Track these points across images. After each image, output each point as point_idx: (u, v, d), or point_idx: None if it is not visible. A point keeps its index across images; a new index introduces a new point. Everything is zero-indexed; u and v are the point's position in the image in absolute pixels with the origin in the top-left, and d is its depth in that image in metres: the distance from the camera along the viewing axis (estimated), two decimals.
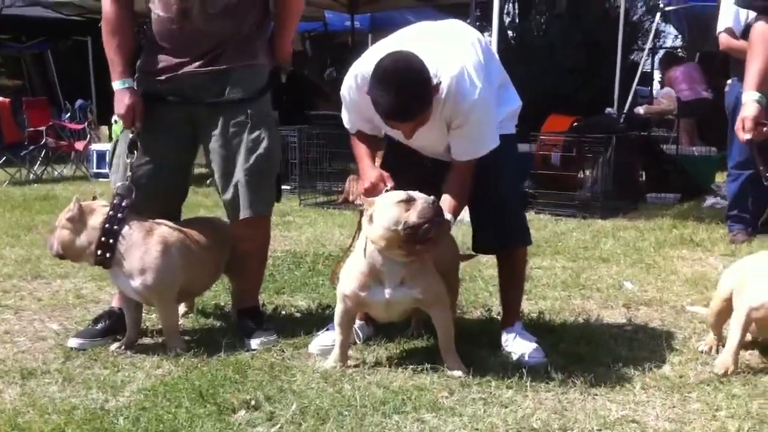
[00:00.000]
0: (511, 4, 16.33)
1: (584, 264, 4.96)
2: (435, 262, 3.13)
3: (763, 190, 5.88)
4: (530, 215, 6.80)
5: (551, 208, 6.98)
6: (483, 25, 13.55)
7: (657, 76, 16.56)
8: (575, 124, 7.87)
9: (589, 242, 5.67)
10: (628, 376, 2.94)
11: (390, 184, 2.98)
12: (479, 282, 4.34)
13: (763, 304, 2.90)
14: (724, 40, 5.78)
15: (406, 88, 2.77)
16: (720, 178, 9.00)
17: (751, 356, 3.20)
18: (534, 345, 3.16)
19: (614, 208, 7.10)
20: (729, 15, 5.75)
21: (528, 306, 3.93)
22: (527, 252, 3.46)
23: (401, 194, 2.82)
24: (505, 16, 15.85)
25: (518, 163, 3.26)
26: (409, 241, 2.78)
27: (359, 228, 3.01)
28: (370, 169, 3.07)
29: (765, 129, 3.01)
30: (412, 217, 2.75)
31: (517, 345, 3.17)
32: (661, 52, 13.61)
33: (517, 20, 17.00)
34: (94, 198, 3.26)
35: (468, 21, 10.60)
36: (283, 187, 3.70)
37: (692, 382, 2.90)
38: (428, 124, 2.92)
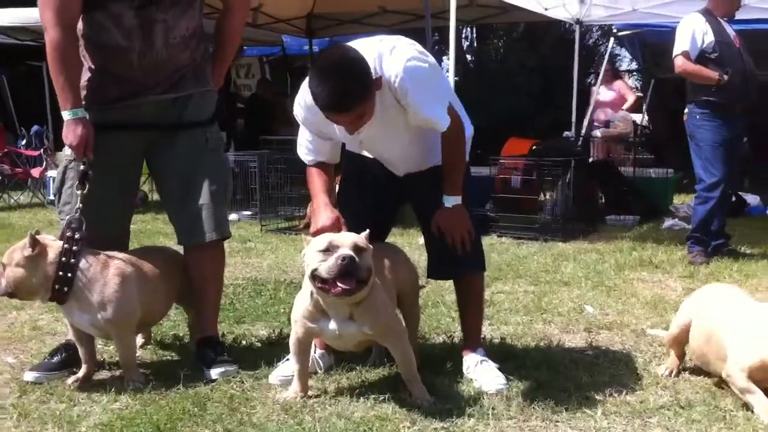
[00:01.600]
0: (469, 29, 16.49)
1: (546, 288, 4.98)
2: (396, 288, 3.13)
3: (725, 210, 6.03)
4: (492, 239, 6.88)
5: (513, 231, 7.03)
6: (441, 49, 13.67)
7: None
8: (534, 147, 7.94)
9: (550, 265, 5.71)
10: (590, 402, 2.94)
11: (344, 229, 2.99)
12: (442, 308, 4.34)
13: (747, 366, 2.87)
14: (680, 63, 5.89)
15: (342, 78, 2.78)
16: (677, 199, 9.17)
17: (712, 380, 3.22)
18: (496, 371, 3.16)
19: (575, 231, 7.17)
20: (686, 39, 5.86)
21: (490, 331, 3.93)
22: (484, 277, 3.45)
23: (323, 242, 2.81)
24: (463, 40, 16.07)
25: (472, 189, 3.28)
26: (322, 289, 2.78)
27: None
28: (324, 209, 3.07)
29: None
30: (322, 270, 2.76)
31: (479, 371, 3.16)
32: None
33: (475, 44, 17.17)
34: (37, 233, 3.16)
35: (425, 46, 10.72)
36: (243, 212, 3.72)
37: (652, 407, 2.91)
38: (378, 122, 2.95)
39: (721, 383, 3.05)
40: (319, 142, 3.18)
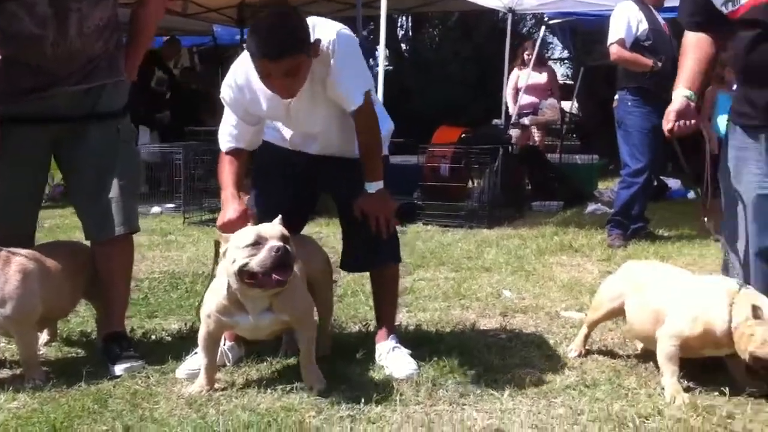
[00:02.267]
0: (404, 18, 16.51)
1: (467, 274, 5.01)
2: (308, 276, 3.12)
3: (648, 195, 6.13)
4: (418, 227, 6.90)
5: (439, 219, 7.05)
6: (376, 39, 13.66)
7: None
8: (463, 135, 7.98)
9: (473, 252, 5.74)
10: (498, 385, 2.96)
11: (251, 223, 2.96)
12: (361, 296, 4.32)
13: (682, 332, 2.89)
14: (615, 50, 5.97)
15: (283, 23, 2.86)
16: (602, 184, 9.31)
17: (617, 360, 3.28)
18: (407, 358, 3.16)
19: (501, 218, 7.22)
20: (621, 26, 5.94)
21: (407, 318, 3.94)
22: (399, 268, 3.46)
23: (250, 236, 2.78)
24: (398, 29, 16.09)
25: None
26: (253, 285, 2.77)
27: (217, 254, 2.97)
28: (232, 201, 3.03)
29: (688, 124, 3.08)
30: (254, 264, 2.73)
31: (391, 358, 3.16)
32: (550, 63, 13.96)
33: (410, 33, 17.20)
34: None
35: (357, 35, 10.68)
36: (167, 205, 3.69)
37: (558, 387, 2.95)
38: (307, 94, 2.98)
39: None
40: (242, 128, 3.17)
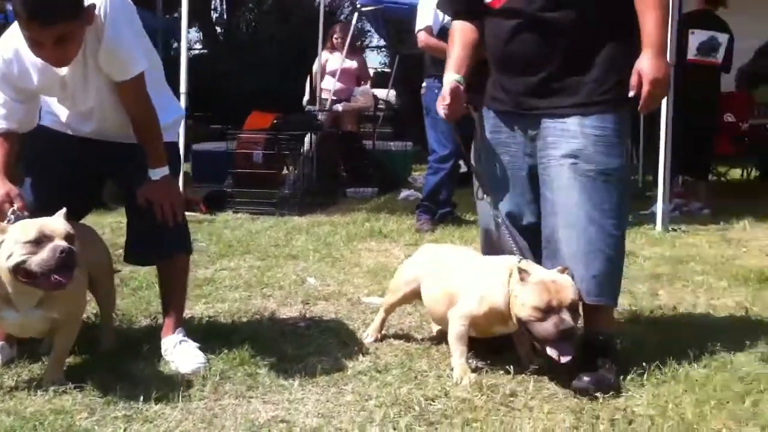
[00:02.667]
0: (218, 0, 16.13)
1: (272, 262, 4.91)
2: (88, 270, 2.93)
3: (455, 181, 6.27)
4: (227, 215, 6.74)
5: (250, 206, 6.91)
6: (191, 21, 13.22)
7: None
8: (276, 121, 7.85)
9: (282, 240, 5.65)
10: (288, 375, 2.89)
11: (18, 204, 2.76)
12: (155, 289, 4.10)
13: (470, 312, 2.92)
14: (423, 38, 6.03)
15: None
16: (417, 171, 9.49)
17: (412, 344, 3.29)
18: (194, 351, 3.03)
19: (313, 205, 7.18)
20: (428, 14, 6.00)
21: (204, 310, 3.80)
22: (189, 260, 3.31)
23: (32, 232, 2.57)
24: (212, 12, 15.67)
25: (177, 172, 3.17)
26: (28, 283, 2.58)
27: None
28: None
29: (462, 106, 3.13)
30: (34, 264, 2.54)
31: (177, 353, 3.01)
32: (367, 51, 14.07)
33: (225, 16, 16.81)
34: None
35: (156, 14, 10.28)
36: None
37: (350, 374, 2.92)
38: (81, 65, 2.82)
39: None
40: (12, 106, 2.92)
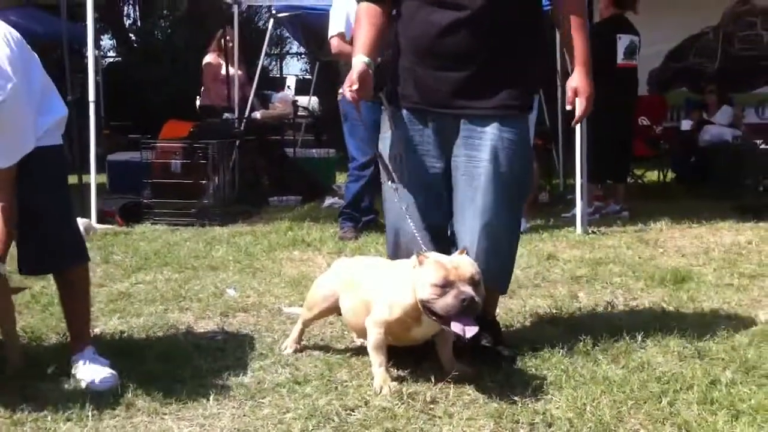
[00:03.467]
0: (131, 7, 15.76)
1: (191, 274, 4.79)
2: None
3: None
4: (145, 227, 6.58)
5: (169, 218, 6.75)
6: (104, 27, 12.92)
7: (290, 81, 17.13)
8: (193, 129, 7.71)
9: (201, 251, 5.53)
10: (204, 390, 2.80)
11: None
12: None
13: (383, 318, 2.88)
14: (336, 44, 5.97)
15: None
16: (341, 178, 9.43)
17: (332, 354, 3.23)
18: (106, 369, 2.90)
19: (235, 214, 7.07)
20: (340, 20, 5.94)
21: (118, 325, 3.67)
22: (88, 269, 3.18)
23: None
24: (125, 18, 15.30)
25: (64, 177, 3.02)
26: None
27: None
28: None
29: (371, 90, 3.10)
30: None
31: (87, 371, 2.89)
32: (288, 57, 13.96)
33: (139, 23, 16.47)
34: None
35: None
36: None
37: (268, 387, 2.85)
38: None
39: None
40: None
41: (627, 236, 5.81)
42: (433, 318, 2.74)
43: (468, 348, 3.04)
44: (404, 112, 3.20)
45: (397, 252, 3.25)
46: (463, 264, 2.76)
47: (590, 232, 5.99)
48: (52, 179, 2.92)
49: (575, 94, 3.19)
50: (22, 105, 2.67)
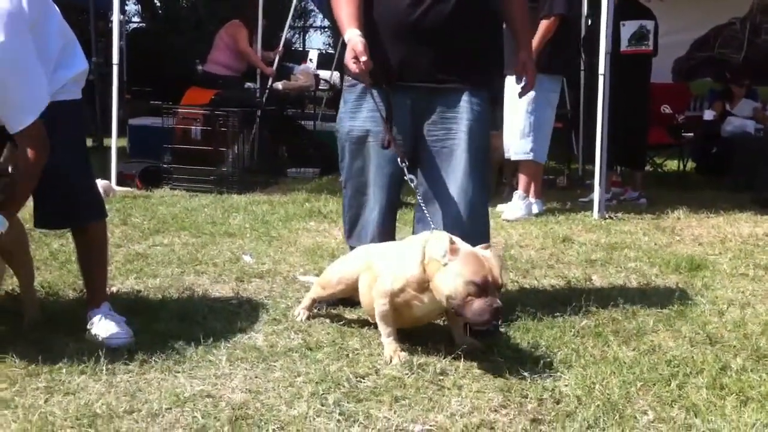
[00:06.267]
0: None
1: (208, 239, 4.83)
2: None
3: None
4: (164, 191, 6.61)
5: (188, 183, 6.79)
6: None
7: (313, 55, 17.08)
8: (215, 97, 7.72)
9: (218, 217, 5.57)
10: (217, 351, 2.85)
11: None
12: None
13: (388, 288, 2.88)
14: None
15: None
16: None
17: (345, 322, 3.26)
18: (121, 325, 2.95)
19: (253, 183, 7.09)
20: None
21: (134, 284, 3.72)
22: (106, 227, 3.20)
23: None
24: None
25: (82, 132, 3.04)
26: None
27: None
28: None
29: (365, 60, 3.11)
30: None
31: (102, 326, 2.93)
32: (311, 31, 13.91)
33: None
34: None
35: None
36: None
37: (280, 351, 2.88)
38: None
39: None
40: None
41: (644, 223, 5.79)
42: (453, 309, 2.74)
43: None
44: (375, 87, 3.22)
45: (352, 230, 3.46)
46: (495, 265, 2.74)
47: (607, 217, 5.97)
48: (70, 134, 2.94)
49: (524, 67, 3.49)
50: (19, 62, 2.62)
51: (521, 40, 3.53)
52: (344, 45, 3.21)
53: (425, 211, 3.17)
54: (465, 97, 3.25)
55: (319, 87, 9.55)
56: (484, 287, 2.67)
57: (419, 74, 3.23)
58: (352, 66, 3.08)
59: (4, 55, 2.55)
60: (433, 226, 3.07)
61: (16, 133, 2.67)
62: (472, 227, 3.25)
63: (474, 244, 2.87)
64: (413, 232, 3.40)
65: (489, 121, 3.39)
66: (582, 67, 8.52)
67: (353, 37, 3.10)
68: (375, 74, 3.18)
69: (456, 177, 3.26)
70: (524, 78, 3.53)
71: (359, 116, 3.31)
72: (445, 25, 3.16)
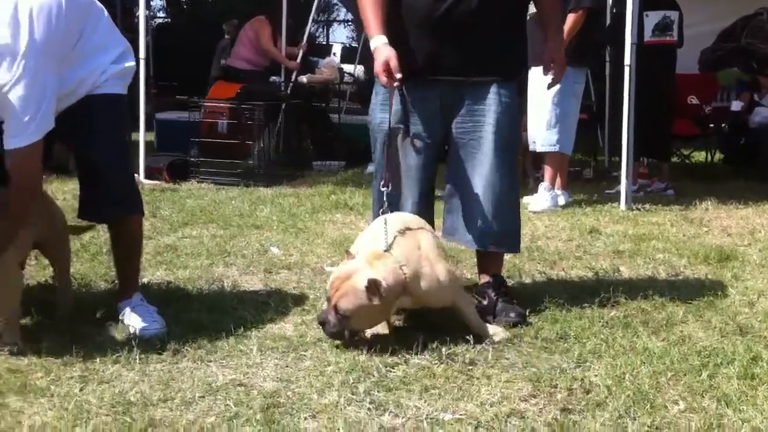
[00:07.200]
0: None
1: (236, 231, 4.87)
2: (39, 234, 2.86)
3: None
4: (191, 185, 6.67)
5: (215, 176, 6.85)
6: None
7: (336, 48, 17.10)
8: (240, 91, 7.77)
9: (246, 210, 5.61)
10: (248, 340, 2.88)
11: None
12: None
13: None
14: None
15: None
16: None
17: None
18: (153, 316, 2.99)
19: (280, 176, 7.13)
20: None
21: (164, 276, 3.77)
22: (141, 220, 3.25)
23: None
24: None
25: (124, 127, 3.07)
26: None
27: None
28: None
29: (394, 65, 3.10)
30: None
31: (134, 317, 2.97)
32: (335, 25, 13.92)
33: None
34: None
35: None
36: None
37: (309, 341, 2.90)
38: None
39: None
40: None
41: (671, 214, 5.75)
42: None
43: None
44: (405, 82, 3.19)
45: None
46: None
47: (634, 208, 5.94)
48: (110, 127, 2.97)
49: (552, 59, 3.44)
50: (32, 85, 2.58)
51: (551, 32, 3.49)
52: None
53: (453, 204, 3.20)
54: (493, 89, 3.24)
55: (343, 80, 9.56)
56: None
57: (447, 68, 3.21)
58: (383, 78, 3.08)
59: (20, 82, 2.54)
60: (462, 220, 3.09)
61: (7, 151, 2.63)
62: (500, 223, 3.25)
63: (502, 241, 2.94)
64: (443, 225, 3.41)
65: (518, 114, 3.39)
66: (607, 59, 8.47)
67: (382, 48, 3.08)
68: (402, 71, 3.19)
69: (483, 171, 3.24)
70: (552, 70, 3.48)
71: (389, 109, 3.30)
72: (473, 17, 3.13)
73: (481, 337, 2.92)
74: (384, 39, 3.11)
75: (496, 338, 2.93)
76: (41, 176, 2.79)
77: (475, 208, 3.25)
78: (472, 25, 3.15)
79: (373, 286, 2.72)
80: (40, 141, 2.62)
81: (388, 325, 3.03)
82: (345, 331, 2.79)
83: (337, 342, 2.86)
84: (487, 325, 3.03)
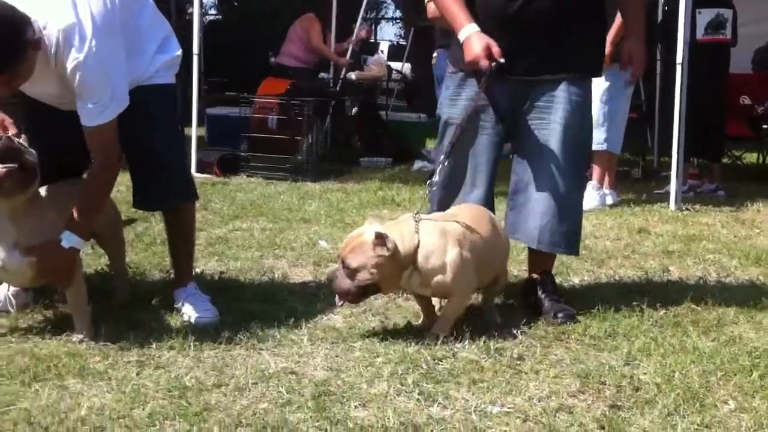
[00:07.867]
0: None
1: (285, 225, 4.94)
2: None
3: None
4: (241, 179, 6.76)
5: (264, 171, 6.94)
6: None
7: (384, 46, 17.18)
8: (290, 87, 7.85)
9: (295, 204, 5.68)
10: (299, 330, 2.92)
11: (12, 131, 2.69)
12: None
13: None
14: (432, 8, 5.97)
15: None
16: (431, 143, 9.45)
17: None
18: (206, 304, 3.06)
19: (328, 172, 7.19)
20: None
21: (216, 266, 3.84)
22: (195, 208, 3.31)
23: None
24: None
25: (176, 116, 3.13)
26: None
27: None
28: None
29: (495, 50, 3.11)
30: None
31: (189, 305, 3.04)
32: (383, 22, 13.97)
33: None
34: None
35: None
36: None
37: (359, 332, 2.94)
38: (41, 79, 2.66)
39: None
40: None
41: (722, 215, 5.69)
42: None
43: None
44: (462, 76, 3.22)
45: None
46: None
47: (684, 209, 5.88)
48: (163, 117, 3.03)
49: (630, 56, 3.31)
50: (101, 66, 2.66)
51: (631, 28, 3.39)
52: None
53: (516, 201, 3.25)
54: (563, 87, 3.18)
55: (391, 78, 9.61)
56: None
57: (519, 69, 3.15)
58: (484, 63, 3.05)
59: (94, 60, 2.62)
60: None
61: (89, 128, 2.73)
62: (561, 223, 3.24)
63: (561, 242, 3.13)
64: (506, 222, 3.41)
65: (589, 111, 3.33)
66: (658, 57, 8.37)
67: (477, 35, 3.06)
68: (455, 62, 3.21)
69: (547, 170, 3.22)
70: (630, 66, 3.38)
71: (458, 103, 3.29)
72: (547, 16, 3.09)
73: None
74: (476, 27, 3.09)
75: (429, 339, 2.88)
76: (119, 149, 2.87)
77: (537, 206, 3.24)
78: (545, 24, 3.11)
79: (379, 239, 2.77)
80: (115, 118, 2.74)
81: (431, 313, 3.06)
82: (352, 288, 2.82)
83: (386, 334, 2.90)
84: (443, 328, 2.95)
